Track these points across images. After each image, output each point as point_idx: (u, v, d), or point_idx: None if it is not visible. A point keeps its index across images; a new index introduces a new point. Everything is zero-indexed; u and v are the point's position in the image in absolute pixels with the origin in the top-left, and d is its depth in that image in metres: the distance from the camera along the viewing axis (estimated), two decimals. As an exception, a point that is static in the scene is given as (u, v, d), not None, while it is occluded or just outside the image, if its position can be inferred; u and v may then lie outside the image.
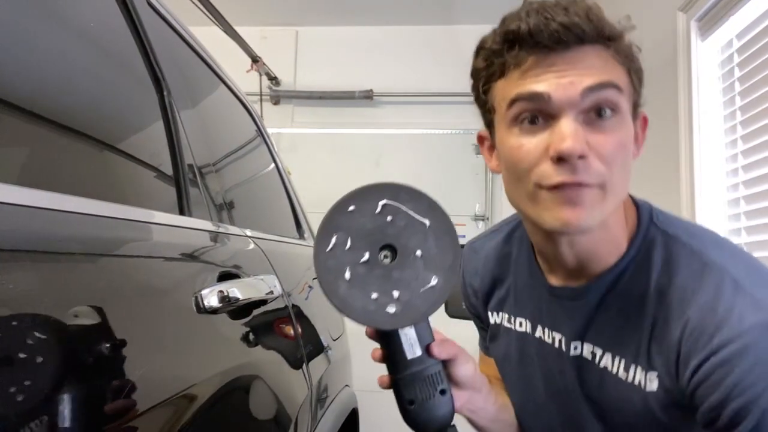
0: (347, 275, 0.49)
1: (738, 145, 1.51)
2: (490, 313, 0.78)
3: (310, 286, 1.31)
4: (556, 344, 0.68)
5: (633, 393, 0.59)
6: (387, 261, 0.50)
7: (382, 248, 0.50)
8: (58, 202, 0.50)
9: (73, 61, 0.65)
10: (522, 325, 0.73)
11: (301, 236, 1.58)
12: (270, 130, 1.64)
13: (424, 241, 0.51)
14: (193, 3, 2.15)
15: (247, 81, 2.93)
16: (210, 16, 2.31)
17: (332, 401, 1.29)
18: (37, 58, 0.57)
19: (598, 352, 0.63)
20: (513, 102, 0.56)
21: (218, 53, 1.23)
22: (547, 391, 0.70)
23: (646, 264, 0.60)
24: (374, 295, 0.49)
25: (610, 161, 0.55)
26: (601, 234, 0.59)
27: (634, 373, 0.59)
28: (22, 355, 0.40)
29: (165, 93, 0.83)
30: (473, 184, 3.02)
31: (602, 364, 0.62)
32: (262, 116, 1.73)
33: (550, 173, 0.54)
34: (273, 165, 1.55)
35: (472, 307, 0.85)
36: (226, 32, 2.52)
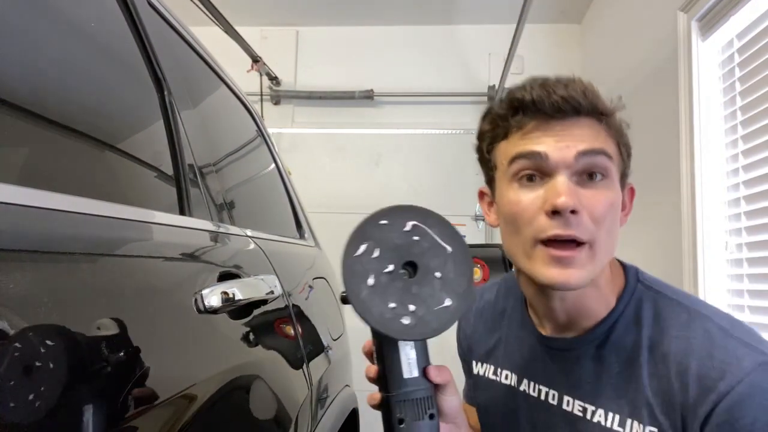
0: (371, 281, 0.52)
1: (738, 145, 1.51)
2: (474, 363, 0.81)
3: (310, 286, 1.31)
4: (543, 397, 0.70)
5: None
6: (408, 276, 0.53)
7: (406, 264, 0.53)
8: (58, 202, 0.50)
9: (74, 61, 0.65)
10: (507, 378, 0.75)
11: (302, 236, 1.58)
12: (270, 130, 1.64)
13: (443, 265, 0.54)
14: (194, 3, 2.15)
15: (247, 81, 2.93)
16: (210, 16, 2.31)
17: (332, 401, 1.28)
18: (37, 58, 0.57)
19: (590, 407, 0.64)
20: (514, 159, 0.62)
21: (219, 53, 1.23)
22: None
23: (636, 318, 0.64)
24: (392, 305, 0.51)
25: (599, 219, 0.59)
26: (590, 291, 0.63)
27: (631, 427, 0.60)
28: (22, 355, 0.40)
29: (166, 93, 0.83)
30: (473, 184, 3.00)
31: (595, 419, 0.63)
32: (262, 116, 1.73)
33: (545, 226, 0.58)
34: (273, 165, 1.55)
35: (463, 353, 0.88)
36: (226, 32, 2.52)
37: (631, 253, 2.17)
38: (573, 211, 0.57)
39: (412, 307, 0.52)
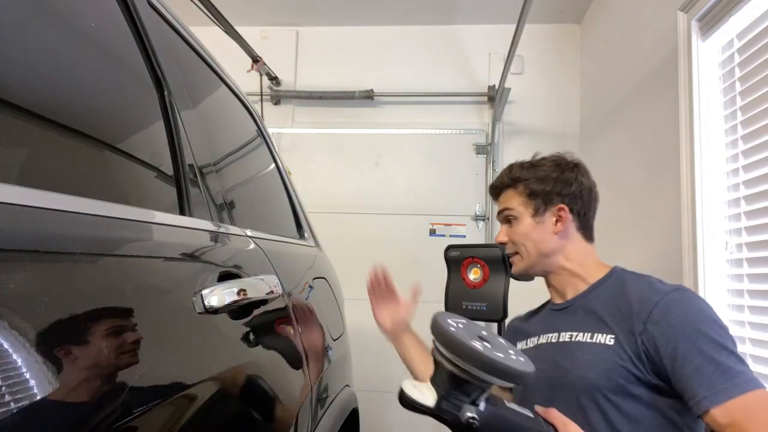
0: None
1: (738, 145, 1.51)
2: (517, 345, 1.15)
3: (310, 286, 1.31)
4: (550, 340, 1.07)
5: (599, 348, 0.96)
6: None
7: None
8: (58, 202, 0.50)
9: (74, 61, 0.65)
10: (532, 342, 1.12)
11: (302, 236, 1.58)
12: (270, 130, 1.64)
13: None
14: (194, 3, 2.15)
15: (247, 81, 2.93)
16: (210, 16, 2.31)
17: (332, 401, 1.28)
18: (37, 58, 0.57)
19: (575, 333, 1.02)
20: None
21: (219, 53, 1.23)
22: (540, 371, 0.97)
23: (608, 287, 1.04)
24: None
25: (515, 242, 1.13)
26: (559, 277, 1.12)
27: (598, 339, 0.97)
28: (22, 355, 0.40)
29: (166, 93, 0.83)
30: (473, 184, 3.02)
31: (576, 339, 1.01)
32: (262, 116, 1.73)
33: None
34: (273, 165, 1.55)
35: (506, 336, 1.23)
36: (226, 32, 2.52)
37: (631, 253, 2.17)
38: (502, 242, 1.16)
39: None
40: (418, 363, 1.21)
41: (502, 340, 0.73)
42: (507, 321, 1.30)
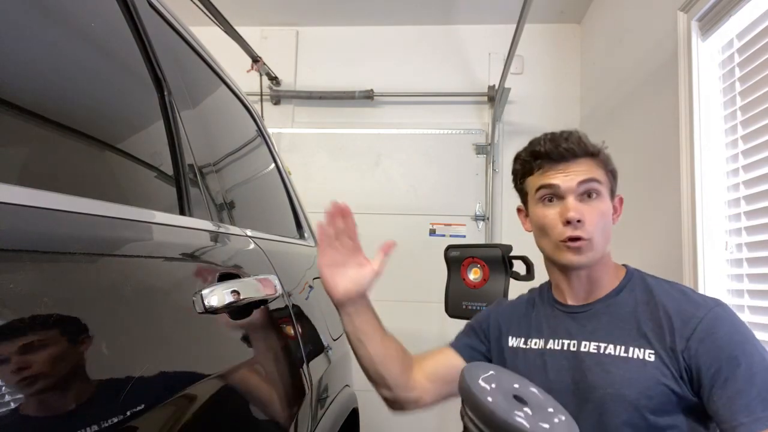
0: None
1: (738, 145, 1.51)
2: (509, 338, 1.05)
3: (310, 286, 1.31)
4: (565, 348, 0.96)
5: (638, 364, 0.87)
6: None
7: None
8: (58, 202, 0.50)
9: (74, 61, 0.65)
10: (536, 344, 1.00)
11: (302, 236, 1.58)
12: (270, 130, 1.64)
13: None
14: (194, 3, 2.15)
15: (247, 81, 2.93)
16: (210, 16, 2.31)
17: (332, 401, 1.29)
18: (37, 58, 0.57)
19: (602, 344, 0.91)
20: (539, 189, 0.96)
21: (219, 53, 1.23)
22: (556, 383, 0.93)
23: (631, 289, 0.95)
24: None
25: (594, 224, 0.92)
26: (598, 272, 0.96)
27: (634, 353, 0.88)
28: (22, 355, 0.40)
29: (166, 93, 0.83)
30: (473, 184, 3.02)
31: (607, 352, 0.90)
32: (262, 116, 1.73)
33: (563, 231, 0.92)
34: (273, 165, 1.55)
35: (489, 330, 1.11)
36: (226, 32, 2.52)
37: (632, 253, 2.17)
38: (579, 220, 0.90)
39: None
40: (375, 348, 1.00)
41: (537, 392, 0.70)
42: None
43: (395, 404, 1.06)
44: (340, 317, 1.01)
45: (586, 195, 0.92)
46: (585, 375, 0.90)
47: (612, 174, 0.96)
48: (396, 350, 1.04)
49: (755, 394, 0.78)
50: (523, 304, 1.09)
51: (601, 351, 0.90)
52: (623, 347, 0.89)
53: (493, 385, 0.65)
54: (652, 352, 0.86)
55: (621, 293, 0.95)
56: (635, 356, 0.87)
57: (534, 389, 0.72)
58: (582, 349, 0.92)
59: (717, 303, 0.88)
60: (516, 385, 0.69)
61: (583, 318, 0.96)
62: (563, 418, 0.66)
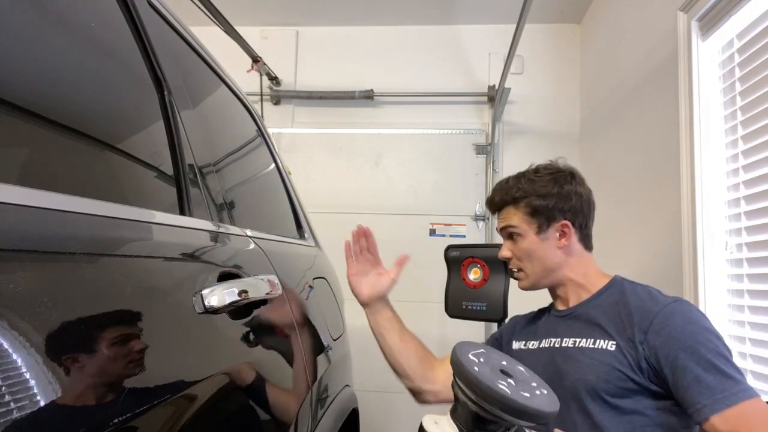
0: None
1: (738, 145, 1.51)
2: (514, 343, 1.20)
3: (310, 286, 1.31)
4: (550, 345, 1.10)
5: (600, 353, 0.99)
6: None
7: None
8: (58, 202, 0.50)
9: (74, 61, 0.65)
10: (533, 345, 1.15)
11: (302, 236, 1.58)
12: (270, 130, 1.64)
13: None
14: (194, 3, 2.15)
15: (247, 81, 2.93)
16: (210, 16, 2.31)
17: (332, 401, 1.28)
18: (37, 58, 0.57)
19: (578, 340, 1.05)
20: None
21: (219, 53, 1.23)
22: (543, 374, 0.99)
23: (609, 295, 1.07)
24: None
25: (519, 258, 1.14)
26: (568, 288, 1.13)
27: (600, 344, 1.01)
28: (22, 355, 0.40)
29: (166, 93, 0.83)
30: (473, 184, 3.02)
31: (579, 345, 1.04)
32: (262, 116, 1.73)
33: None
34: (273, 165, 1.55)
35: (502, 338, 1.27)
36: (226, 32, 2.52)
37: (631, 253, 2.17)
38: (507, 258, 1.16)
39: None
40: (394, 340, 1.19)
41: (523, 370, 0.74)
42: (512, 316, 1.31)
43: (418, 395, 1.21)
44: (366, 316, 1.23)
45: (510, 237, 1.14)
46: (561, 365, 1.04)
47: (535, 213, 1.10)
48: (414, 344, 1.21)
49: (712, 378, 0.87)
50: (534, 315, 1.24)
51: (576, 345, 1.04)
52: (593, 340, 1.02)
53: (482, 359, 0.71)
54: (614, 342, 0.98)
55: (599, 297, 1.09)
56: (599, 346, 1.00)
57: (521, 367, 0.75)
58: (563, 344, 1.07)
59: (675, 299, 0.99)
60: (504, 363, 0.74)
61: (568, 319, 1.11)
62: (545, 391, 0.70)
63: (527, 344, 1.16)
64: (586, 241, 1.14)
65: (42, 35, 0.59)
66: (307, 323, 1.17)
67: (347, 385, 1.50)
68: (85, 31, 0.69)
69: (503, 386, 0.65)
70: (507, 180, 1.16)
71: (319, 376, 1.16)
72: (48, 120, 0.57)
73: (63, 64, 0.63)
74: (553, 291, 1.17)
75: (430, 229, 3.00)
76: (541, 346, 1.12)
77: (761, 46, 1.41)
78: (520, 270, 1.14)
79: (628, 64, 2.26)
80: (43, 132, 0.56)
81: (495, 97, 2.87)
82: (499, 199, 1.15)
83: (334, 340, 1.40)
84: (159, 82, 0.82)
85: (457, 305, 1.67)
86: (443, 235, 2.97)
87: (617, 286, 1.08)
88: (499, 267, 1.63)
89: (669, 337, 0.92)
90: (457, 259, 1.70)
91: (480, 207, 2.99)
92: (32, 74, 0.56)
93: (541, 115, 3.03)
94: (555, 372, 1.03)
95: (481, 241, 2.93)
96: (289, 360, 0.99)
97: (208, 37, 1.32)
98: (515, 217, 1.12)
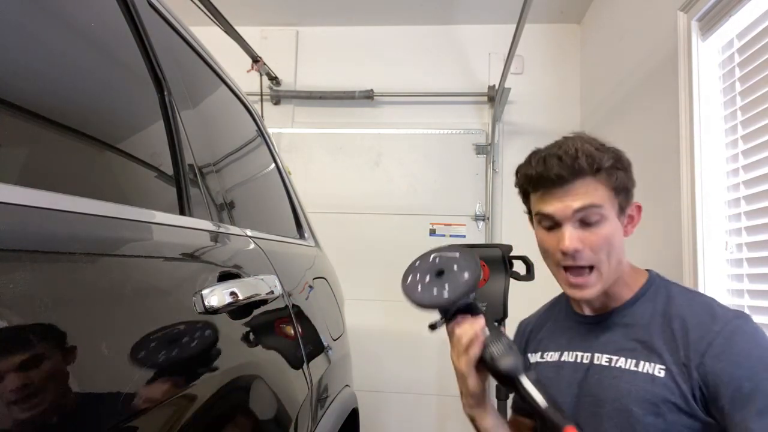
0: (419, 288, 0.86)
1: (738, 145, 1.51)
2: (529, 355, 1.03)
3: (310, 286, 1.31)
4: (578, 360, 0.92)
5: (645, 381, 0.82)
6: (440, 277, 0.86)
7: (437, 273, 0.86)
8: (58, 202, 0.50)
9: (74, 61, 0.65)
10: (551, 357, 0.98)
11: (302, 236, 1.58)
12: (270, 130, 1.64)
13: (456, 261, 0.86)
14: (194, 3, 2.15)
15: (247, 81, 2.93)
16: (210, 16, 2.31)
17: (332, 401, 1.28)
18: (37, 58, 0.57)
19: (614, 357, 0.87)
20: (536, 214, 0.91)
21: (219, 53, 1.23)
22: (567, 395, 0.91)
23: (652, 297, 0.89)
24: (435, 291, 0.84)
25: (598, 250, 0.85)
26: (612, 287, 0.89)
27: (644, 368, 0.83)
28: (22, 355, 0.40)
29: (166, 93, 0.83)
30: (473, 184, 3.02)
31: (617, 365, 0.86)
32: (262, 116, 1.73)
33: (560, 259, 0.87)
34: (273, 165, 1.55)
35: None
36: (226, 32, 2.52)
37: (631, 253, 2.16)
38: (575, 250, 0.84)
39: (446, 287, 0.84)
40: None
41: (450, 253, 0.88)
42: (519, 323, 1.14)
43: None
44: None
45: (584, 222, 0.85)
46: (594, 388, 0.87)
47: (619, 189, 0.87)
48: None
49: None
50: (543, 316, 1.07)
51: (612, 364, 0.87)
52: (634, 361, 0.84)
53: (417, 276, 0.87)
54: (663, 367, 0.81)
55: (637, 303, 0.90)
56: (645, 370, 0.83)
57: (448, 252, 0.88)
58: (595, 361, 0.89)
59: (737, 315, 0.82)
60: (437, 260, 0.87)
61: (598, 329, 0.92)
62: (456, 254, 0.86)
63: (544, 356, 0.99)
64: None
65: (42, 35, 0.59)
66: (307, 323, 1.17)
67: (347, 385, 1.50)
68: (85, 31, 0.69)
69: (419, 294, 0.84)
70: (564, 147, 0.86)
71: (319, 376, 1.16)
72: (48, 120, 0.57)
73: (63, 64, 0.63)
74: None
75: (430, 229, 3.00)
76: (563, 359, 0.95)
77: (761, 46, 1.41)
78: (592, 269, 0.86)
79: (628, 64, 2.26)
80: (43, 132, 0.56)
81: (495, 97, 2.87)
82: (578, 167, 0.83)
83: (334, 340, 1.40)
84: (159, 82, 0.82)
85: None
86: (443, 235, 2.97)
87: (659, 289, 0.90)
88: (499, 267, 1.63)
89: (731, 362, 0.77)
90: (457, 259, 1.70)
91: (480, 207, 2.99)
92: (32, 74, 0.56)
93: (541, 115, 3.03)
94: (588, 395, 0.88)
95: (481, 241, 2.93)
96: (289, 360, 0.99)
97: (208, 37, 1.32)
98: (599, 193, 0.84)
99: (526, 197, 0.95)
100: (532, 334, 1.05)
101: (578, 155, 0.84)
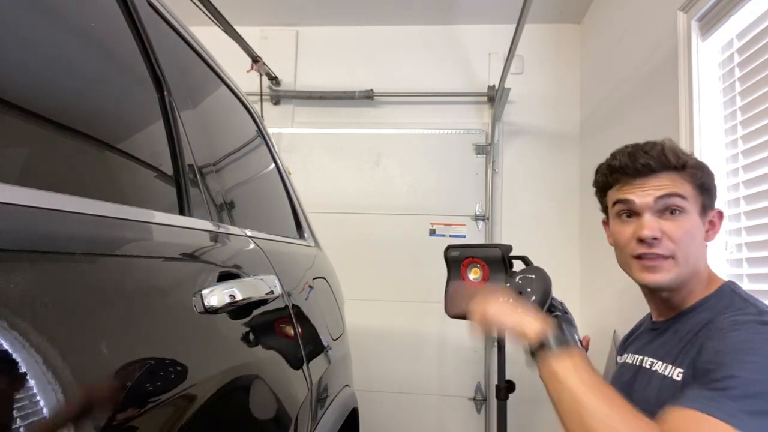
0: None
1: (738, 145, 1.51)
2: (618, 358, 1.09)
3: (310, 286, 1.31)
4: (634, 362, 0.97)
5: (666, 383, 0.84)
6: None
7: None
8: (58, 202, 0.50)
9: (74, 61, 0.65)
10: (622, 359, 1.04)
11: (302, 236, 1.58)
12: (270, 130, 1.64)
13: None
14: (194, 3, 2.15)
15: (247, 81, 2.93)
16: (210, 16, 2.31)
17: (332, 401, 1.28)
18: (37, 58, 0.57)
19: (656, 361, 0.90)
20: (615, 203, 0.94)
21: (218, 53, 1.23)
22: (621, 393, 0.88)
23: (707, 309, 0.88)
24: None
25: (677, 241, 0.86)
26: (683, 292, 0.90)
27: (669, 369, 0.85)
28: (22, 355, 0.40)
29: (165, 93, 0.83)
30: (473, 184, 3.02)
31: (653, 368, 0.90)
32: (262, 116, 1.73)
33: (635, 248, 0.90)
34: (273, 165, 1.55)
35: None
36: (226, 32, 2.52)
37: (631, 253, 2.17)
38: (654, 238, 0.86)
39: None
40: None
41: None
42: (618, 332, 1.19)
43: None
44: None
45: (668, 211, 0.87)
46: (634, 388, 0.92)
47: (703, 188, 0.89)
48: None
49: (725, 386, 0.69)
50: (637, 325, 1.12)
51: (651, 366, 0.91)
52: (664, 364, 0.87)
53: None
54: (681, 371, 0.82)
55: (693, 312, 0.89)
56: (667, 373, 0.85)
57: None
58: (644, 364, 0.94)
59: (761, 311, 0.79)
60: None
61: (657, 333, 0.96)
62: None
63: (623, 357, 1.04)
64: None
65: (42, 35, 0.59)
66: (306, 323, 1.17)
67: (347, 385, 1.50)
68: (85, 31, 0.69)
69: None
70: (651, 144, 0.91)
71: (319, 376, 1.16)
72: (48, 120, 0.57)
73: (63, 64, 0.63)
74: (647, 294, 0.98)
75: (430, 229, 3.00)
76: (626, 361, 1.01)
77: (761, 46, 1.41)
78: (668, 257, 0.87)
79: (628, 64, 2.26)
80: (43, 132, 0.56)
81: (495, 97, 2.87)
82: (666, 160, 0.88)
83: (334, 340, 1.40)
84: (159, 82, 0.82)
85: (457, 305, 1.67)
86: (443, 235, 2.97)
87: (721, 298, 0.87)
88: (499, 267, 1.63)
89: (720, 343, 0.75)
90: (456, 259, 1.70)
91: (480, 207, 2.99)
92: (32, 74, 0.56)
93: (541, 115, 3.03)
94: (629, 393, 0.88)
95: (481, 241, 2.93)
96: (289, 360, 0.99)
97: (208, 37, 1.32)
98: (685, 187, 0.88)
99: (603, 194, 0.99)
100: (628, 339, 1.12)
101: (665, 151, 0.89)
